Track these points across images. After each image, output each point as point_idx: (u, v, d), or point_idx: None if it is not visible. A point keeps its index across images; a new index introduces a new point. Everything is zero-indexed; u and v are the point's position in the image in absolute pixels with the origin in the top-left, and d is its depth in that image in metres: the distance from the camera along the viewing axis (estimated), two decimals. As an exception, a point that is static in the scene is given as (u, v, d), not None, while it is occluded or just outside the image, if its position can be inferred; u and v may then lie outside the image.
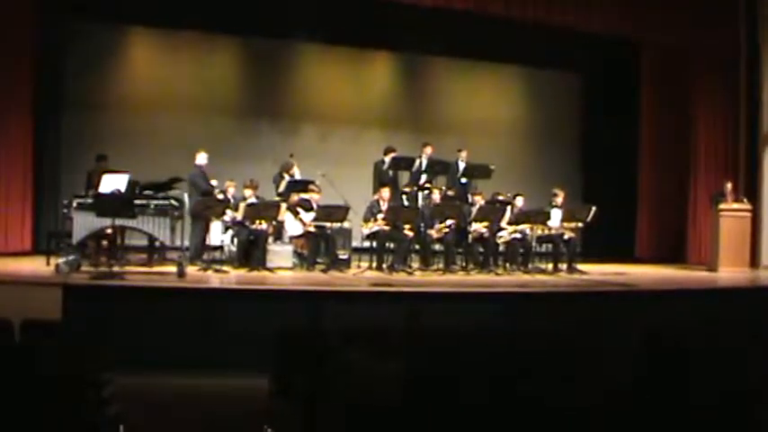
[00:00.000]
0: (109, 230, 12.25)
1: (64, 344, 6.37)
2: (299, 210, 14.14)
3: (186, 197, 13.49)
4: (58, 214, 13.93)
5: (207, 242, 13.73)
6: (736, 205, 16.06)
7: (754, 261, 16.82)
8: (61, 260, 11.67)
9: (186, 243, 12.94)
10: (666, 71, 18.60)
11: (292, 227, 14.08)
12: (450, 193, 15.47)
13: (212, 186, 14.00)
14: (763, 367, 5.51)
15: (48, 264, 12.48)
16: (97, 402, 5.16)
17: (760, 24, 17.65)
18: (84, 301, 9.96)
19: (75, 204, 11.91)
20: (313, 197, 14.29)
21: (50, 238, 13.50)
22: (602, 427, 4.63)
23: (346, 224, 14.26)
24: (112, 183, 11.70)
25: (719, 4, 17.58)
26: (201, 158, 13.93)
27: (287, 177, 14.84)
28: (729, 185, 16.29)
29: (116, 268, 11.80)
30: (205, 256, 13.38)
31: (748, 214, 16.18)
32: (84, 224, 11.72)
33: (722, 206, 15.89)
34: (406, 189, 15.39)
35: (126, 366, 7.12)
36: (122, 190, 11.62)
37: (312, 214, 13.91)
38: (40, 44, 15.15)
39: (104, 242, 12.81)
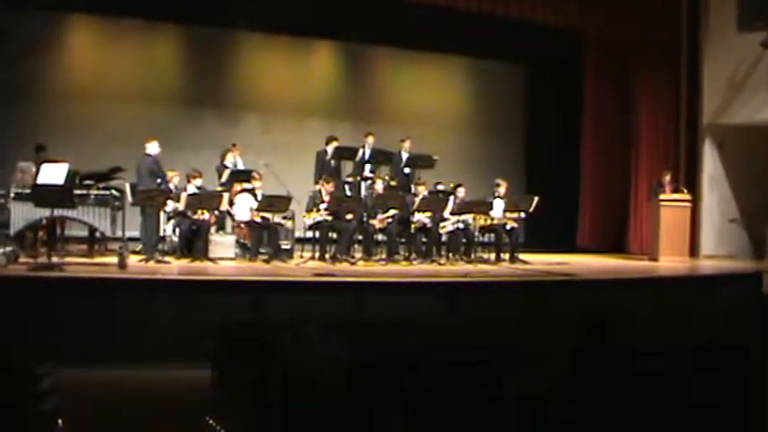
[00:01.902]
0: (47, 221, 12.07)
1: (0, 336, 6.28)
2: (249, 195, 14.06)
3: (128, 187, 13.36)
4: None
5: (160, 233, 13.62)
6: (675, 195, 16.26)
7: (694, 251, 17.06)
8: (-1, 251, 11.50)
9: (128, 233, 12.78)
10: (610, 63, 18.78)
11: (241, 211, 13.95)
12: (393, 183, 15.47)
13: (165, 176, 13.83)
14: (702, 355, 5.57)
15: (-15, 255, 12.29)
16: (34, 395, 5.08)
17: (701, 19, 17.87)
18: (22, 294, 9.82)
19: (12, 195, 11.74)
20: (255, 185, 14.20)
21: (-13, 228, 13.30)
22: (541, 416, 4.65)
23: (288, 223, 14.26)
24: (51, 173, 11.53)
25: (662, -2, 17.80)
26: (153, 148, 13.57)
27: (229, 167, 14.75)
28: (668, 176, 16.49)
29: (55, 259, 11.64)
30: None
31: (688, 204, 16.39)
32: (22, 215, 11.55)
33: (662, 196, 16.07)
34: (350, 179, 15.37)
35: (65, 359, 7.03)
36: (62, 179, 11.46)
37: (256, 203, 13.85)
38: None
39: (43, 233, 12.62)
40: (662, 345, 6.05)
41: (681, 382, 4.97)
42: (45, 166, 11.69)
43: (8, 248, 11.55)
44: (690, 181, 17.53)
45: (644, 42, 17.88)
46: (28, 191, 11.50)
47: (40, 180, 11.47)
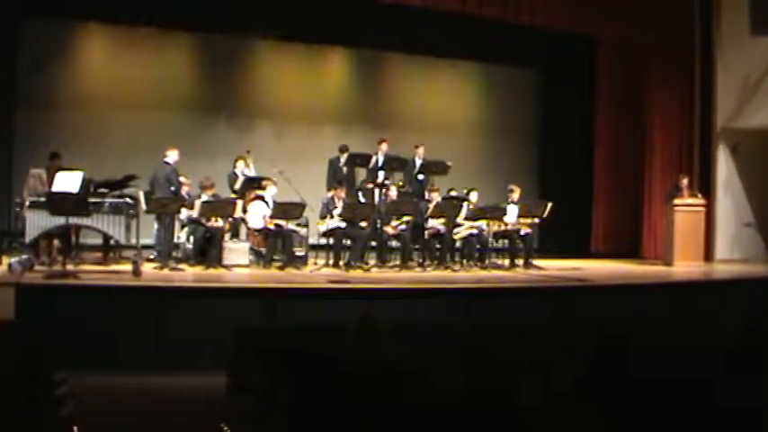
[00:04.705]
0: (62, 229, 12.10)
1: (17, 344, 6.29)
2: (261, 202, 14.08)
3: (142, 195, 13.39)
4: (10, 213, 13.78)
5: (175, 240, 13.66)
6: (690, 200, 16.21)
7: (708, 255, 16.99)
8: (14, 260, 11.52)
9: (142, 241, 12.81)
10: (622, 68, 18.77)
11: (255, 219, 13.97)
12: (407, 189, 15.47)
13: (181, 185, 13.89)
14: (716, 360, 5.56)
15: (0, 263, 12.34)
16: (51, 402, 5.10)
17: (714, 22, 17.83)
18: (37, 301, 9.85)
19: (27, 203, 11.78)
20: (270, 191, 14.21)
21: (3, 237, 13.36)
22: (557, 421, 4.64)
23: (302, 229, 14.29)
24: (66, 181, 11.57)
25: (676, 3, 17.73)
26: (173, 156, 13.67)
27: (240, 175, 14.76)
28: (685, 180, 16.42)
29: (70, 267, 11.70)
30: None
31: (702, 209, 16.34)
32: (37, 223, 11.57)
33: (677, 201, 16.03)
34: (368, 186, 15.36)
35: (81, 366, 7.05)
36: (76, 188, 11.50)
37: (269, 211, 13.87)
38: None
39: (58, 241, 12.65)
40: (678, 349, 6.05)
41: (698, 386, 4.96)
42: (60, 175, 11.74)
43: (23, 257, 11.62)
44: (704, 185, 17.46)
45: (657, 47, 17.85)
46: (43, 199, 11.53)
47: (55, 188, 11.51)
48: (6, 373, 5.09)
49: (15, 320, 9.36)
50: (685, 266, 15.64)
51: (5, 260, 12.04)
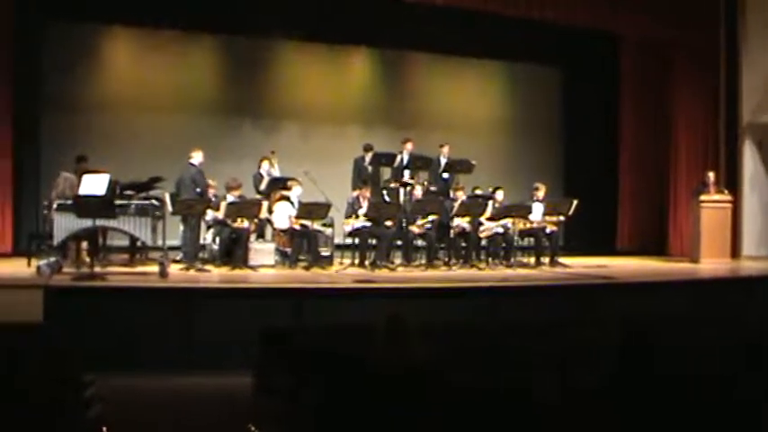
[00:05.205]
0: (90, 231, 12.16)
1: (46, 346, 6.35)
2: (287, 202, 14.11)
3: (168, 196, 13.46)
4: (38, 215, 13.87)
5: (201, 241, 13.72)
6: (716, 196, 16.11)
7: (735, 252, 16.89)
8: (42, 262, 11.61)
9: (168, 242, 12.85)
10: (646, 64, 18.69)
11: (280, 219, 14.01)
12: (432, 188, 15.48)
13: (207, 187, 13.97)
14: (743, 359, 5.54)
15: (29, 265, 12.43)
16: (79, 404, 5.14)
17: (739, 18, 17.72)
18: (65, 303, 9.92)
19: (55, 205, 11.84)
20: (296, 191, 14.24)
21: (31, 239, 13.44)
22: (585, 419, 4.64)
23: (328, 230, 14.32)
24: (93, 183, 11.64)
25: (700, -1, 17.69)
26: (198, 157, 13.76)
27: (265, 175, 14.82)
28: (712, 175, 16.31)
29: (97, 269, 11.77)
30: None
31: (729, 205, 16.24)
32: (64, 225, 11.63)
33: (703, 197, 15.94)
34: (392, 185, 15.37)
35: (108, 367, 7.09)
36: (103, 190, 11.56)
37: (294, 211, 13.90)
38: (18, 45, 15.05)
39: (85, 243, 12.73)
40: (705, 346, 6.03)
41: (725, 383, 4.94)
42: (86, 177, 11.80)
43: (51, 259, 11.70)
44: (730, 181, 17.36)
45: (680, 43, 17.77)
46: (70, 202, 11.60)
47: (82, 191, 11.58)
48: (35, 375, 5.14)
49: (44, 322, 9.44)
50: (712, 263, 15.55)
51: (34, 262, 12.14)
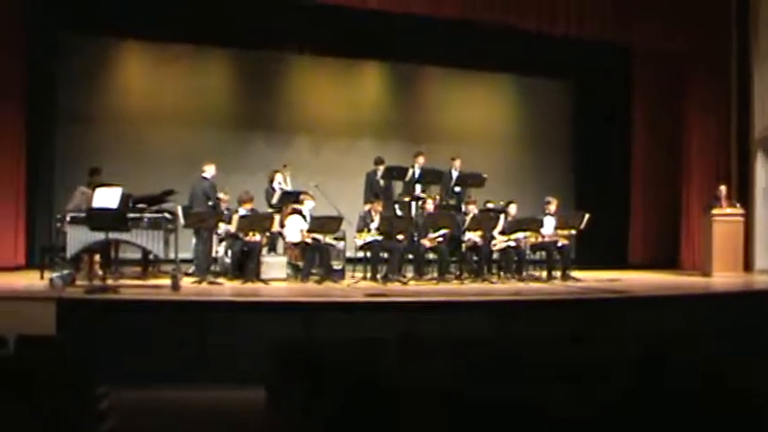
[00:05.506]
0: (103, 244, 12.19)
1: (59, 358, 6.36)
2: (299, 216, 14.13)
3: (180, 209, 13.49)
4: (51, 228, 13.91)
5: (213, 254, 13.75)
6: (728, 210, 16.07)
7: (748, 265, 16.85)
8: (55, 274, 11.65)
9: (181, 255, 12.88)
10: (658, 77, 18.69)
11: (292, 233, 14.02)
12: (451, 202, 15.48)
13: (219, 199, 14.03)
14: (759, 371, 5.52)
15: (42, 278, 12.48)
16: (93, 416, 5.15)
17: (750, 31, 17.72)
18: (78, 316, 9.95)
19: (68, 218, 11.88)
20: (308, 205, 14.27)
21: (44, 252, 13.51)
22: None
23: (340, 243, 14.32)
24: (105, 197, 11.68)
25: (711, 11, 17.65)
26: (211, 170, 13.82)
27: (276, 189, 14.85)
28: (724, 189, 16.27)
29: (110, 282, 11.82)
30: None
31: (741, 219, 16.19)
32: (77, 238, 11.66)
33: (715, 211, 15.90)
34: (406, 198, 15.38)
35: (121, 380, 7.11)
36: (116, 203, 11.61)
37: (306, 224, 13.91)
38: (32, 59, 15.12)
39: (98, 256, 12.76)
40: (719, 360, 6.00)
41: (741, 397, 4.92)
42: (99, 190, 11.84)
43: (64, 271, 11.73)
44: (742, 195, 17.32)
45: (692, 56, 17.77)
46: (83, 215, 11.64)
47: (95, 204, 11.62)
48: (49, 388, 5.15)
49: (57, 335, 9.46)
50: (724, 277, 15.51)
51: (47, 275, 12.18)
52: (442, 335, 9.45)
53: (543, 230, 14.83)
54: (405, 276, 14.23)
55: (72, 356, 6.72)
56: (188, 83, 17.23)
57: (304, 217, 14.07)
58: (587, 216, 14.87)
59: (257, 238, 13.44)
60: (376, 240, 13.88)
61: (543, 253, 15.11)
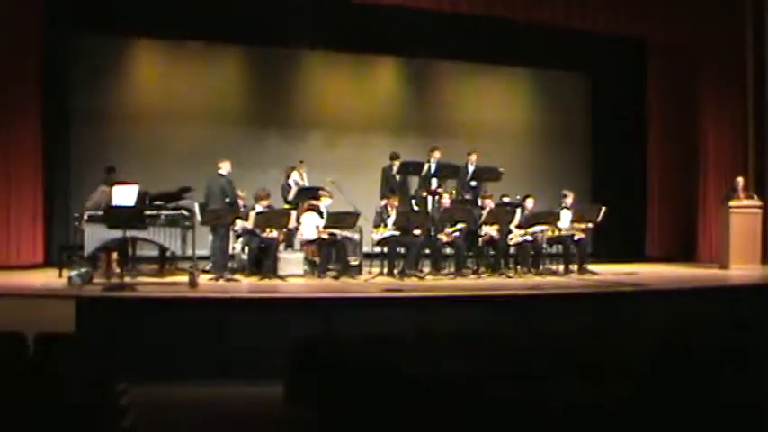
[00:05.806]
0: (121, 242, 12.23)
1: (78, 356, 6.39)
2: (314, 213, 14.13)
3: (197, 206, 13.52)
4: (69, 227, 13.97)
5: (230, 251, 13.78)
6: (746, 201, 15.99)
7: (766, 257, 16.76)
8: (73, 272, 11.69)
9: (199, 252, 12.90)
10: (673, 70, 18.59)
11: (308, 230, 14.03)
12: (467, 196, 15.46)
13: (236, 196, 14.04)
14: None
15: (60, 276, 12.53)
16: (112, 413, 5.17)
17: (766, 23, 17.63)
18: (97, 313, 9.99)
19: (86, 217, 11.93)
20: (325, 202, 14.28)
21: (62, 250, 13.55)
22: (614, 427, 4.62)
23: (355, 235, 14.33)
24: (123, 194, 11.73)
25: (726, 4, 17.59)
26: (226, 167, 13.81)
27: (294, 185, 14.85)
28: (741, 180, 16.19)
29: (128, 279, 11.86)
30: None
31: (759, 210, 16.10)
32: (95, 236, 11.72)
33: (732, 203, 15.83)
34: (422, 194, 15.36)
35: (140, 377, 7.14)
36: (133, 201, 11.66)
37: (323, 221, 13.92)
38: (47, 58, 15.17)
39: (115, 254, 12.81)
40: (735, 352, 5.99)
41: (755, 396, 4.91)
42: (116, 189, 11.90)
43: (83, 269, 11.78)
44: (759, 186, 17.24)
45: (708, 48, 17.70)
46: (100, 213, 11.68)
47: (113, 202, 11.67)
48: (68, 385, 5.17)
49: (76, 332, 9.51)
50: (741, 269, 15.45)
51: (65, 273, 12.23)
52: (459, 329, 9.46)
53: (560, 224, 14.80)
54: (422, 271, 14.24)
55: (91, 354, 6.75)
56: (202, 80, 17.26)
57: (321, 214, 14.07)
58: (604, 209, 14.84)
59: (274, 234, 13.46)
60: (393, 235, 13.87)
61: (560, 247, 15.10)
